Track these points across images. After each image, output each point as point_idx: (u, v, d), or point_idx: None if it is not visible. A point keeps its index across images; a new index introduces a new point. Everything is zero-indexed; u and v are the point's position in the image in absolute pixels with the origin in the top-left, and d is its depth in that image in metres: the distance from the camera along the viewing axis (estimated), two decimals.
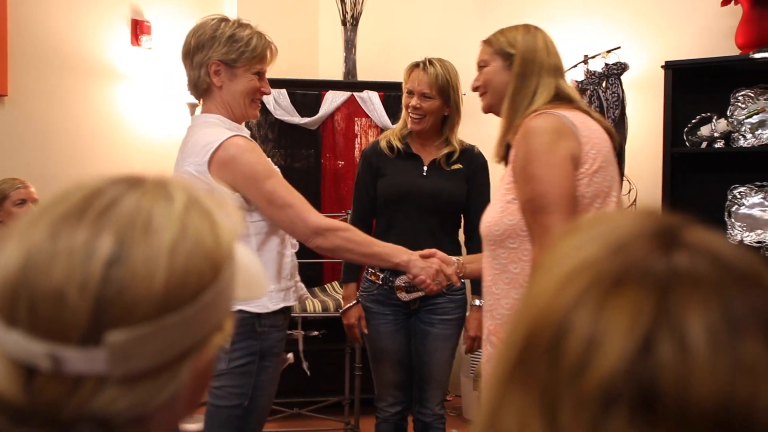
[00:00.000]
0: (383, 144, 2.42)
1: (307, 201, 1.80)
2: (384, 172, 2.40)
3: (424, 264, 1.85)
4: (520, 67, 1.69)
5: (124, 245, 0.58)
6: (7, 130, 3.08)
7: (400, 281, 2.35)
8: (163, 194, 0.62)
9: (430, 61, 2.38)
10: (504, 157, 1.74)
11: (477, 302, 2.38)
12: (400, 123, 2.45)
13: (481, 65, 1.80)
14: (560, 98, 1.67)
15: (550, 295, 0.47)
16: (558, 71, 1.71)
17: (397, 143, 2.40)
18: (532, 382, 0.46)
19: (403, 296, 2.37)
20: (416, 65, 2.39)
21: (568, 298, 0.45)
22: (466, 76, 3.95)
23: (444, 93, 2.37)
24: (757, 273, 0.46)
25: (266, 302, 1.77)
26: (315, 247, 1.81)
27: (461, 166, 2.41)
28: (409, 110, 2.36)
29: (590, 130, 1.63)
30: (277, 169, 1.84)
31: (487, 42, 1.80)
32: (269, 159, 1.86)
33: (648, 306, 0.43)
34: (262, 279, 0.71)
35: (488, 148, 4.15)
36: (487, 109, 1.81)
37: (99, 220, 0.59)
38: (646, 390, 0.41)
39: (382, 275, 2.38)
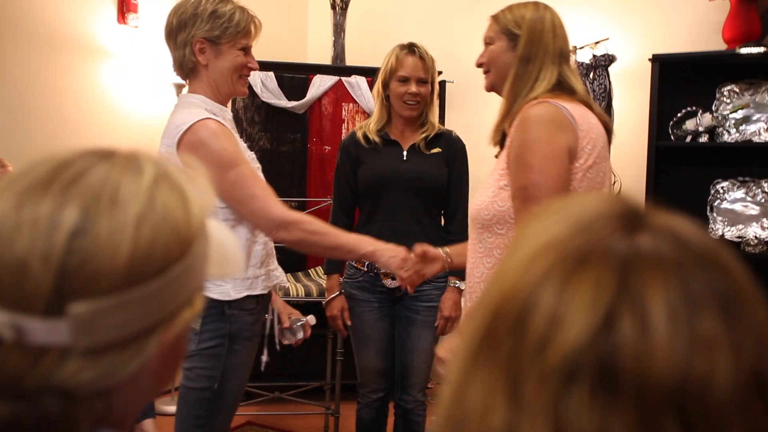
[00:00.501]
0: (359, 135, 2.41)
1: (272, 193, 1.74)
2: (363, 161, 2.40)
3: (392, 252, 1.80)
4: (525, 50, 1.65)
5: (89, 216, 0.57)
6: None
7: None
8: (132, 167, 0.61)
9: (417, 46, 2.39)
10: (500, 141, 1.73)
11: (454, 283, 2.39)
12: (377, 116, 2.42)
13: (487, 42, 1.75)
14: (562, 87, 1.64)
15: (516, 273, 0.48)
16: (563, 56, 1.67)
17: (374, 137, 2.39)
18: (497, 358, 0.46)
19: (389, 282, 2.37)
20: (409, 51, 2.37)
21: (533, 276, 0.46)
22: (455, 60, 3.96)
23: (433, 77, 2.40)
24: (716, 254, 0.47)
25: (229, 290, 1.74)
26: (278, 240, 1.76)
27: (440, 150, 2.42)
28: (405, 97, 2.35)
29: (589, 124, 1.61)
30: (247, 157, 1.79)
31: (495, 18, 1.74)
32: (242, 146, 1.80)
33: (610, 284, 0.44)
34: (237, 257, 0.71)
35: (474, 135, 4.15)
36: (490, 88, 1.79)
37: (65, 191, 0.58)
38: (606, 366, 0.42)
39: (367, 261, 2.38)
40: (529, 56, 1.65)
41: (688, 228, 0.48)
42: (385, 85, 2.39)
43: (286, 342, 2.01)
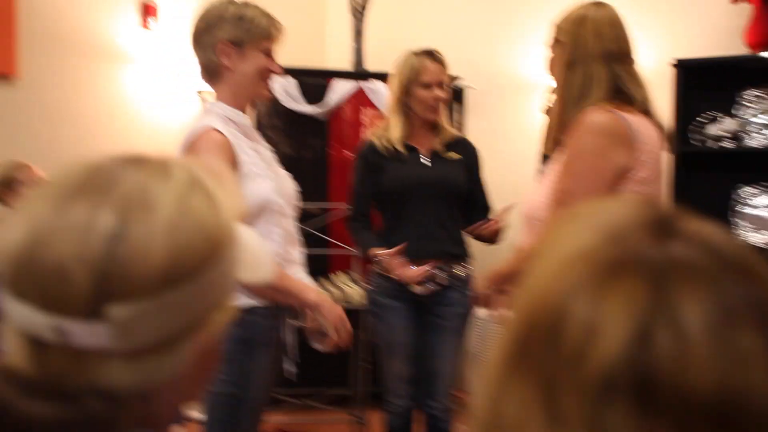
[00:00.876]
0: (378, 143, 2.42)
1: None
2: (385, 168, 2.41)
3: (333, 311, 1.76)
4: (567, 56, 1.63)
5: (125, 221, 0.59)
6: (15, 111, 3.08)
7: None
8: (163, 172, 0.63)
9: (436, 51, 2.43)
10: (553, 149, 1.70)
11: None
12: (398, 123, 2.40)
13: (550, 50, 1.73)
14: (621, 93, 1.59)
15: (547, 282, 0.47)
16: (612, 57, 1.60)
17: (398, 146, 2.41)
18: (532, 369, 0.46)
19: (417, 289, 2.37)
20: (431, 57, 2.39)
21: (565, 285, 0.46)
22: (476, 66, 3.96)
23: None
24: (750, 263, 0.46)
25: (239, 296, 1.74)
26: None
27: (460, 156, 2.46)
28: (431, 102, 2.38)
29: (649, 137, 1.58)
30: (258, 164, 1.79)
31: (553, 26, 1.71)
32: (249, 154, 1.78)
33: (644, 295, 0.43)
34: (266, 261, 0.72)
35: (495, 140, 4.14)
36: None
37: (100, 196, 0.60)
38: (644, 379, 0.42)
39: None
40: (570, 62, 1.62)
41: (720, 235, 0.48)
42: (406, 92, 2.39)
43: (316, 346, 1.97)
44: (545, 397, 0.45)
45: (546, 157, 1.73)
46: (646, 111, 1.62)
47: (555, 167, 1.66)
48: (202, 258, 0.61)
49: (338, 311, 1.77)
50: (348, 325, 1.79)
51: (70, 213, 0.59)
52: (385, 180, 2.41)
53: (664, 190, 1.68)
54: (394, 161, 2.41)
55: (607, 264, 0.45)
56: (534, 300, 0.48)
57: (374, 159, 2.42)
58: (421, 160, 2.43)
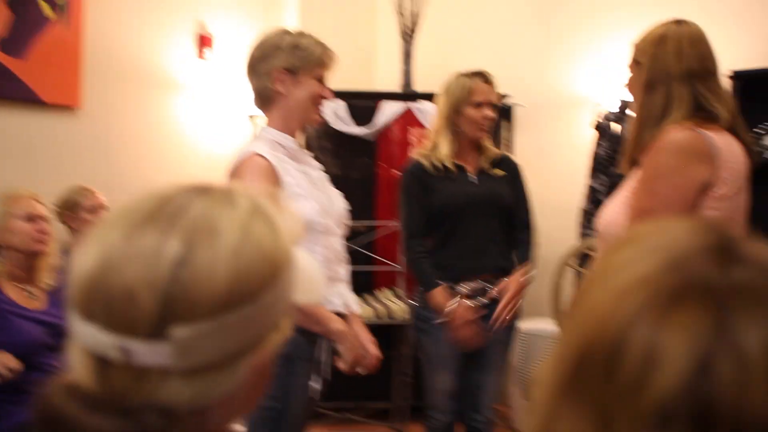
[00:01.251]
0: (426, 162, 2.45)
1: None
2: (434, 188, 2.44)
3: (355, 343, 1.83)
4: (646, 77, 1.60)
5: (191, 248, 0.62)
6: (78, 141, 3.22)
7: (463, 288, 2.39)
8: (228, 201, 0.66)
9: (486, 72, 2.47)
10: (628, 169, 1.68)
11: (522, 275, 2.44)
12: (447, 142, 2.44)
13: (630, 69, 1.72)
14: (704, 110, 1.56)
15: (606, 308, 0.46)
16: (694, 76, 1.57)
17: (449, 164, 2.44)
18: (587, 396, 0.45)
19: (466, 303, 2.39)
20: (482, 78, 2.44)
21: (625, 312, 0.45)
22: (525, 84, 3.95)
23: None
24: None
25: None
26: None
27: (504, 172, 2.50)
28: (482, 122, 2.42)
29: (732, 154, 1.54)
30: (303, 186, 1.83)
31: (633, 46, 1.69)
32: (294, 176, 1.83)
33: (706, 323, 0.43)
34: (319, 283, 0.75)
35: (544, 157, 4.10)
36: None
37: (169, 224, 0.63)
38: (704, 409, 0.41)
39: (443, 283, 2.41)
40: (650, 83, 1.59)
41: None
42: (456, 111, 2.42)
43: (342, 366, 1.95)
44: (599, 424, 0.44)
45: (621, 177, 1.71)
46: (731, 128, 1.58)
47: (631, 185, 1.63)
48: (263, 282, 0.64)
49: (359, 345, 1.83)
50: (371, 356, 1.86)
51: (140, 240, 0.62)
52: (435, 198, 2.43)
53: (747, 206, 1.60)
54: (442, 180, 2.43)
55: (668, 291, 0.45)
56: (591, 326, 0.47)
57: (424, 178, 2.45)
58: (469, 178, 2.46)
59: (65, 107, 3.16)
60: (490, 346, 2.41)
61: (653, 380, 0.42)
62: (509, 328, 2.44)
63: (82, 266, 0.63)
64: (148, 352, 0.60)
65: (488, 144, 2.52)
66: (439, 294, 2.39)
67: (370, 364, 1.88)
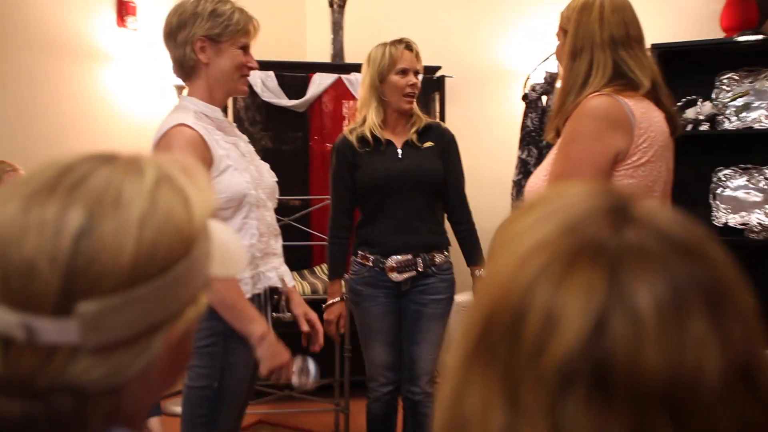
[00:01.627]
0: (353, 137, 2.43)
1: None
2: (360, 163, 2.42)
3: (274, 351, 1.74)
4: (570, 44, 1.61)
5: (94, 218, 0.59)
6: None
7: (391, 261, 2.39)
8: (134, 169, 0.63)
9: (409, 41, 2.44)
10: (554, 137, 1.69)
11: (478, 272, 2.45)
12: (375, 113, 2.42)
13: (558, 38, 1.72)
14: (624, 77, 1.57)
15: (508, 273, 0.47)
16: (617, 43, 1.58)
17: (378, 134, 2.41)
18: (493, 363, 0.46)
19: (395, 276, 2.40)
20: (404, 46, 2.41)
21: (526, 277, 0.46)
22: (454, 55, 3.97)
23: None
24: (700, 245, 0.47)
25: None
26: None
27: (432, 143, 2.46)
28: (406, 90, 2.39)
29: (649, 121, 1.55)
30: (233, 158, 1.78)
31: (560, 15, 1.69)
32: (224, 147, 1.78)
33: (600, 284, 0.44)
34: (239, 256, 0.72)
35: (473, 128, 4.14)
36: None
37: (70, 194, 0.60)
38: (600, 368, 0.42)
39: (372, 257, 2.41)
40: (575, 50, 1.60)
41: (672, 219, 0.48)
42: (382, 80, 2.40)
43: (295, 383, 1.91)
44: (506, 388, 0.45)
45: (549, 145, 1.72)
46: (654, 96, 1.60)
47: (552, 153, 1.65)
48: (173, 253, 0.61)
49: (278, 353, 1.74)
50: (285, 369, 1.76)
51: (39, 211, 0.59)
52: (360, 174, 2.42)
53: (667, 174, 1.63)
54: (369, 155, 2.41)
55: (565, 255, 0.46)
56: (496, 291, 0.48)
57: (350, 154, 2.43)
58: (395, 152, 2.43)
59: None
60: (423, 319, 2.43)
61: (553, 342, 0.44)
62: (445, 301, 2.45)
63: None
64: (53, 330, 0.57)
65: (419, 113, 2.47)
66: (333, 285, 2.49)
67: (286, 377, 1.79)
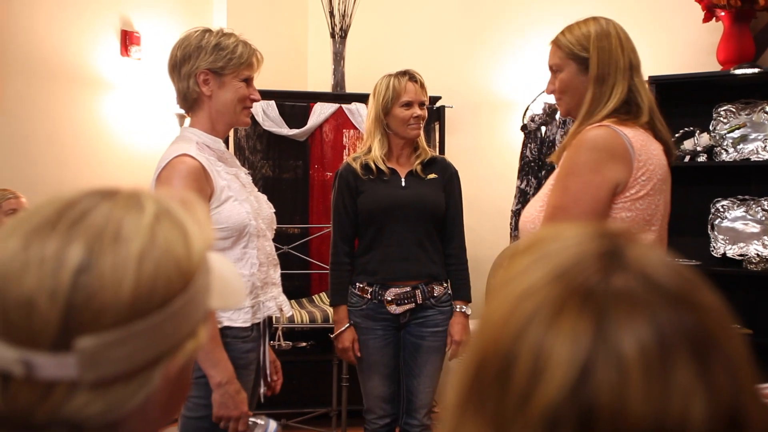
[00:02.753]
0: (356, 165, 2.44)
1: None
2: (363, 190, 2.43)
3: (230, 401, 1.70)
4: (598, 70, 1.61)
5: (93, 254, 0.59)
6: None
7: (389, 294, 2.39)
8: (134, 205, 0.63)
9: (414, 72, 2.46)
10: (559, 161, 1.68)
11: (460, 308, 2.45)
12: (379, 144, 2.44)
13: (554, 69, 1.70)
14: (629, 106, 1.59)
15: (499, 319, 0.48)
16: (632, 69, 1.61)
17: (381, 166, 2.43)
18: (483, 408, 0.47)
19: (393, 309, 2.40)
20: (409, 78, 2.44)
21: (515, 324, 0.47)
22: (454, 85, 4.00)
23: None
24: (689, 292, 0.47)
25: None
26: None
27: (436, 175, 2.47)
28: (411, 121, 2.41)
29: (648, 153, 1.56)
30: (234, 188, 1.79)
31: (556, 43, 1.69)
32: (225, 178, 1.79)
33: (587, 330, 0.44)
34: (238, 288, 0.73)
35: (473, 158, 4.16)
36: (566, 114, 1.75)
37: (70, 230, 0.60)
38: (586, 412, 0.43)
39: (370, 289, 2.41)
40: (603, 76, 1.60)
41: (663, 264, 0.48)
42: (386, 112, 2.42)
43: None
44: None
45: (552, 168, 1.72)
46: (652, 125, 1.62)
47: (549, 182, 1.65)
48: (172, 288, 0.61)
49: (232, 406, 1.70)
50: (235, 422, 1.72)
51: (40, 247, 0.59)
52: (362, 201, 2.42)
53: (665, 207, 1.64)
54: (372, 182, 2.43)
55: (553, 299, 0.46)
56: (488, 335, 0.48)
57: (353, 181, 2.44)
58: (399, 181, 2.45)
59: None
60: (422, 351, 2.43)
61: (539, 388, 0.44)
62: (443, 333, 2.44)
63: None
64: (52, 365, 0.57)
65: (424, 146, 2.49)
66: (339, 312, 2.46)
67: (233, 429, 1.73)
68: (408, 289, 2.39)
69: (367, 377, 2.46)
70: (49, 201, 0.63)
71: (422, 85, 2.45)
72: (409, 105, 2.41)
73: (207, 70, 1.79)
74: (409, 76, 2.43)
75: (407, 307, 2.39)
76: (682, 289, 0.47)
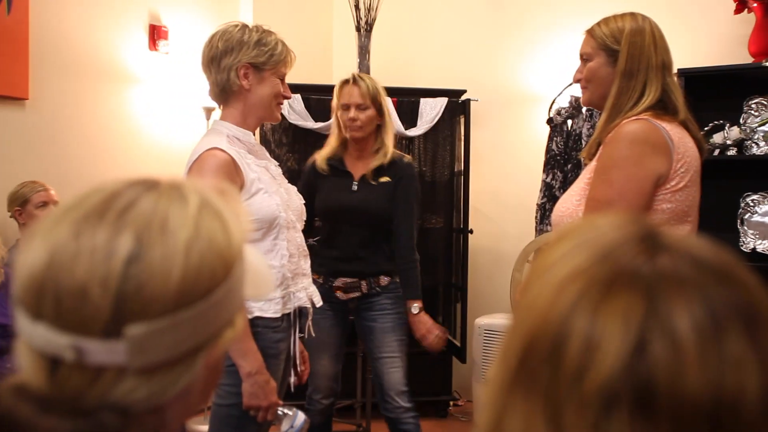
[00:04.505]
0: (318, 163, 2.58)
1: None
2: (319, 189, 2.57)
3: (260, 390, 1.73)
4: (627, 64, 1.61)
5: (143, 244, 0.61)
6: (27, 133, 3.13)
7: (338, 282, 2.56)
8: (177, 196, 0.65)
9: (359, 76, 2.56)
10: (593, 154, 1.69)
11: (415, 308, 2.56)
12: (330, 144, 2.57)
13: (585, 58, 1.72)
14: (665, 104, 1.60)
15: (545, 302, 0.49)
16: (665, 68, 1.63)
17: (323, 166, 2.55)
18: (535, 387, 0.48)
19: (341, 295, 2.57)
20: (345, 82, 2.55)
21: (563, 305, 0.48)
22: (480, 78, 3.99)
23: (376, 103, 2.53)
24: (732, 269, 0.49)
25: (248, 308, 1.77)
26: None
27: (389, 179, 2.55)
28: (347, 123, 2.50)
29: (686, 146, 1.58)
30: (263, 181, 1.82)
31: (591, 33, 1.70)
32: (255, 171, 1.81)
33: (638, 308, 0.46)
34: (268, 278, 0.75)
35: (498, 151, 4.14)
36: (587, 103, 1.77)
37: (118, 220, 0.62)
38: (642, 388, 0.44)
39: (322, 277, 2.56)
40: (631, 71, 1.61)
41: (704, 246, 0.50)
42: (336, 115, 2.57)
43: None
44: (548, 411, 0.47)
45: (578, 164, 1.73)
46: (686, 123, 1.63)
47: (585, 176, 1.66)
48: (215, 278, 0.64)
49: (263, 396, 1.73)
50: (264, 411, 1.75)
51: (90, 237, 0.61)
52: (318, 200, 2.57)
53: (698, 199, 1.65)
54: (328, 181, 2.56)
55: (600, 281, 0.48)
56: (533, 320, 0.49)
57: (313, 179, 2.59)
58: (350, 184, 2.56)
59: (13, 99, 3.07)
60: (376, 333, 2.55)
61: (594, 365, 0.45)
62: (393, 315, 2.55)
63: (28, 264, 0.61)
64: (102, 351, 0.60)
65: (388, 143, 2.54)
66: None
67: (263, 417, 1.77)
68: (355, 279, 2.55)
69: (316, 356, 2.52)
70: (93, 191, 0.65)
71: (369, 87, 2.50)
72: (346, 108, 2.51)
73: (248, 63, 1.83)
74: (352, 78, 2.54)
75: (353, 295, 2.56)
76: (725, 267, 0.49)
